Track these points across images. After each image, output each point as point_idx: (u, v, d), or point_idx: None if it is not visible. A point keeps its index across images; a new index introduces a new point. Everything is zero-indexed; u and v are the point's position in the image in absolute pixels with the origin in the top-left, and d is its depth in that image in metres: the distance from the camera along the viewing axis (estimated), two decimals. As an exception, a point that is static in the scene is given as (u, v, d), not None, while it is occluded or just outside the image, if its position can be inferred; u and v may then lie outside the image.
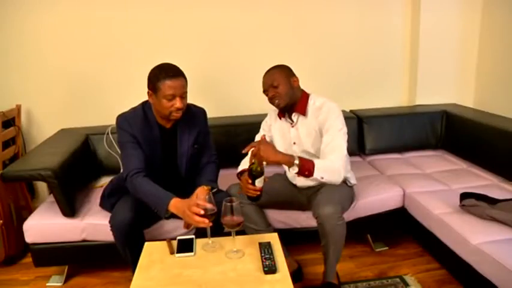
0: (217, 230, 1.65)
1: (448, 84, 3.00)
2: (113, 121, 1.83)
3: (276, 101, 1.86)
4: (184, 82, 1.71)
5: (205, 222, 1.48)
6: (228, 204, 1.42)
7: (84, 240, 2.01)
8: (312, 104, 1.91)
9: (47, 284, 2.12)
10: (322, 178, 1.72)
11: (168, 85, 1.65)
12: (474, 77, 3.01)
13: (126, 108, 1.85)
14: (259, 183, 1.69)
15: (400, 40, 2.96)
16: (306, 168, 1.69)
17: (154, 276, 1.41)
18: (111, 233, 1.73)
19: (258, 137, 2.10)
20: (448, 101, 2.99)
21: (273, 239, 1.59)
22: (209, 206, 1.49)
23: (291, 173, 1.88)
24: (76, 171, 2.15)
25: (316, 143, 1.89)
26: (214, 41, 2.75)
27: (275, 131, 2.03)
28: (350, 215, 2.08)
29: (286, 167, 2.07)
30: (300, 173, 1.71)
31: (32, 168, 1.91)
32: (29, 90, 2.67)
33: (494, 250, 1.59)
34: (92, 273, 2.19)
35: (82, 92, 2.72)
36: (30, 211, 2.39)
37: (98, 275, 2.17)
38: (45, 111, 2.73)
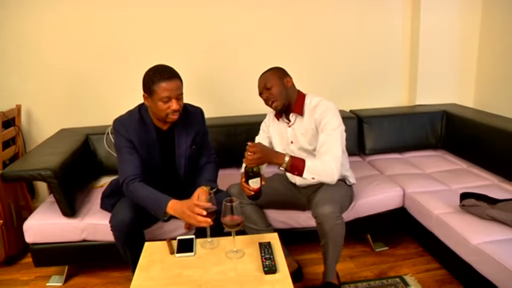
0: (217, 230, 1.65)
1: (448, 84, 3.00)
2: (112, 121, 1.83)
3: (272, 103, 1.88)
4: (180, 83, 1.70)
5: (208, 221, 1.49)
6: (228, 204, 1.42)
7: (84, 240, 2.01)
8: (308, 104, 1.91)
9: (47, 284, 2.12)
10: (313, 178, 1.73)
11: (163, 87, 1.64)
12: (474, 77, 3.01)
13: (126, 107, 1.86)
14: (253, 183, 1.70)
15: (400, 40, 2.96)
16: (296, 168, 1.72)
17: (154, 276, 1.41)
18: (111, 233, 1.73)
19: (257, 139, 2.11)
20: (448, 101, 2.99)
21: (273, 239, 1.59)
22: (209, 205, 1.49)
23: (290, 175, 1.89)
24: (76, 171, 2.15)
25: (313, 141, 1.89)
26: (213, 42, 2.75)
27: (273, 131, 2.04)
28: (350, 215, 2.08)
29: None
30: (289, 172, 1.74)
31: (32, 168, 1.91)
32: (29, 90, 2.67)
33: (494, 250, 1.59)
34: (92, 273, 2.19)
35: (82, 92, 2.72)
36: (30, 211, 2.39)
37: (98, 275, 2.17)
38: (45, 111, 2.73)
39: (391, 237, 2.37)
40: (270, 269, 1.39)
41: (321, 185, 1.89)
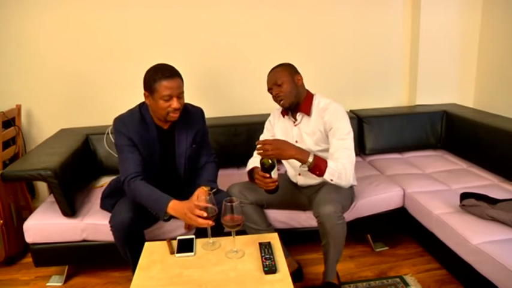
0: (217, 230, 1.65)
1: (448, 84, 3.00)
2: (113, 120, 1.83)
3: (281, 100, 1.87)
4: (181, 82, 1.71)
5: (209, 223, 1.50)
6: (228, 204, 1.42)
7: (84, 240, 2.01)
8: (316, 104, 1.91)
9: (47, 284, 2.12)
10: (332, 180, 1.73)
11: (164, 86, 1.65)
12: (474, 77, 3.01)
13: (126, 107, 1.85)
14: (274, 174, 1.74)
15: (400, 40, 2.96)
16: (318, 168, 1.72)
17: (154, 276, 1.41)
18: (111, 233, 1.73)
19: (261, 138, 2.10)
20: (448, 101, 2.99)
21: (273, 239, 1.59)
22: (210, 206, 1.49)
23: (300, 169, 1.89)
24: (76, 171, 2.15)
25: (320, 142, 1.89)
26: (215, 41, 2.75)
27: (277, 129, 2.03)
28: (350, 215, 2.08)
29: (287, 166, 2.07)
30: (310, 171, 1.74)
31: (32, 168, 1.91)
32: (29, 90, 2.67)
33: (494, 250, 1.59)
34: (92, 273, 2.19)
35: (82, 92, 2.72)
36: (30, 211, 2.39)
37: (98, 275, 2.17)
38: (45, 111, 2.73)
39: (391, 237, 2.37)
40: (270, 269, 1.39)
41: (322, 185, 1.89)
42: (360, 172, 2.42)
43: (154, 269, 1.45)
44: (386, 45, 2.95)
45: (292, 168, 2.04)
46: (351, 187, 2.04)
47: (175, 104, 1.68)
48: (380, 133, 2.69)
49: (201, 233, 1.75)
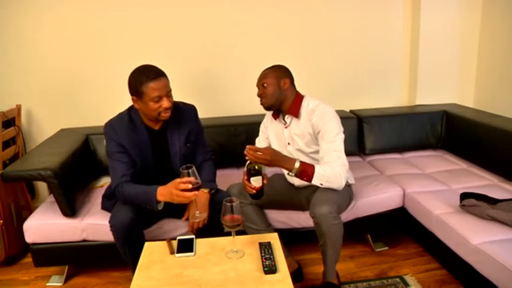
0: (217, 230, 1.65)
1: (448, 84, 3.00)
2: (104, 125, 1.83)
3: (261, 100, 1.90)
4: (167, 80, 1.70)
5: (196, 194, 1.52)
6: (228, 204, 1.41)
7: (84, 240, 2.01)
8: (305, 106, 1.90)
9: (47, 284, 2.12)
10: (321, 184, 1.74)
11: (152, 87, 1.64)
12: (474, 77, 3.01)
13: (126, 108, 1.85)
14: (254, 182, 1.71)
15: (400, 40, 2.96)
16: (305, 173, 1.72)
17: (154, 276, 1.41)
18: (111, 233, 1.73)
19: (257, 140, 2.10)
20: (448, 101, 2.99)
21: (273, 239, 1.59)
22: (192, 179, 1.51)
23: (289, 176, 1.89)
24: (76, 171, 2.15)
25: (311, 144, 1.89)
26: (214, 42, 2.75)
27: (271, 132, 2.04)
28: (350, 215, 2.09)
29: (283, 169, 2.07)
30: (298, 177, 1.74)
31: (32, 168, 1.91)
32: (29, 90, 2.67)
33: (494, 250, 1.59)
34: (92, 273, 2.19)
35: (82, 92, 2.72)
36: (30, 211, 2.39)
37: (98, 275, 2.17)
38: (45, 111, 2.73)
39: (391, 237, 2.37)
40: (270, 269, 1.39)
41: (318, 186, 1.88)
42: (360, 172, 2.42)
43: (154, 269, 1.45)
44: (387, 45, 2.95)
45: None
46: (349, 186, 2.04)
47: (165, 103, 1.67)
48: (380, 133, 2.69)
49: (201, 233, 1.76)
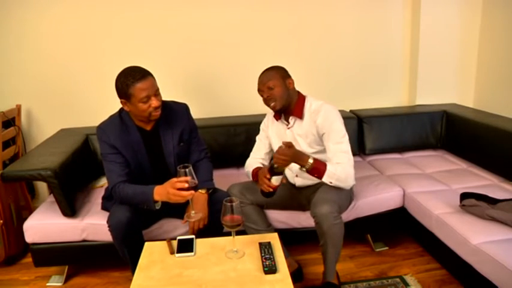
0: (217, 230, 1.65)
1: (448, 84, 3.00)
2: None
3: (272, 103, 1.86)
4: (154, 80, 1.70)
5: (192, 193, 1.54)
6: (228, 204, 1.41)
7: (84, 240, 2.01)
8: (308, 107, 1.90)
9: (47, 284, 2.12)
10: (331, 183, 1.76)
11: (139, 88, 1.64)
12: (474, 77, 3.01)
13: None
14: (275, 181, 1.74)
15: (400, 40, 2.96)
16: (317, 171, 1.75)
17: (154, 276, 1.41)
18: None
19: (258, 138, 2.10)
20: (448, 101, 2.99)
21: (273, 239, 1.59)
22: (189, 178, 1.52)
23: (297, 171, 1.89)
24: (76, 171, 2.15)
25: (314, 144, 1.89)
26: (213, 41, 2.74)
27: (272, 132, 2.03)
28: (350, 215, 2.08)
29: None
30: (309, 173, 1.77)
31: (32, 168, 1.91)
32: (29, 90, 2.67)
33: (494, 250, 1.59)
34: (92, 273, 2.19)
35: (82, 92, 2.72)
36: (30, 211, 2.39)
37: (98, 275, 2.17)
38: (45, 111, 2.73)
39: (391, 237, 2.37)
40: (270, 269, 1.39)
41: (320, 186, 1.88)
42: (360, 172, 2.42)
43: (154, 269, 1.45)
44: (387, 45, 2.95)
45: (289, 170, 2.05)
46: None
47: (154, 102, 1.68)
48: (380, 133, 2.69)
49: (201, 233, 1.76)
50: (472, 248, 1.68)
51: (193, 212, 1.68)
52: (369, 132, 2.68)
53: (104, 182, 2.39)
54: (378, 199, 2.17)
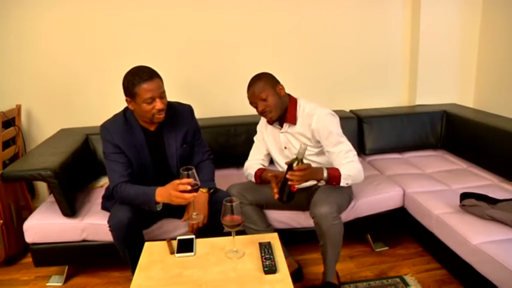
0: (217, 230, 1.65)
1: (448, 84, 3.00)
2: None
3: (268, 115, 1.85)
4: (161, 82, 1.70)
5: (194, 195, 1.54)
6: (228, 204, 1.41)
7: (84, 240, 2.01)
8: (301, 111, 1.89)
9: (47, 284, 2.12)
10: (347, 184, 1.77)
11: (145, 89, 1.64)
12: (474, 77, 3.01)
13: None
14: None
15: (400, 40, 2.96)
16: (334, 179, 1.74)
17: (154, 276, 1.41)
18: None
19: (256, 139, 2.10)
20: (448, 101, 2.99)
21: (273, 239, 1.59)
22: (191, 180, 1.52)
23: (318, 184, 1.89)
24: (76, 171, 2.15)
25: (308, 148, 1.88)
26: (213, 42, 2.74)
27: (268, 134, 2.03)
28: (350, 215, 2.09)
29: (280, 169, 2.07)
30: (328, 184, 1.76)
31: (32, 168, 1.91)
32: (29, 90, 2.67)
33: (494, 250, 1.59)
34: (92, 273, 2.19)
35: (82, 92, 2.72)
36: (30, 211, 2.39)
37: (98, 275, 2.17)
38: (45, 111, 2.73)
39: (391, 237, 2.37)
40: (270, 269, 1.39)
41: (319, 186, 1.89)
42: (360, 172, 2.42)
43: (154, 269, 1.45)
44: (387, 45, 2.95)
45: None
46: (349, 186, 2.04)
47: (158, 105, 1.67)
48: (380, 133, 2.69)
49: (201, 233, 1.76)
50: (472, 248, 1.68)
51: (194, 213, 1.68)
52: (369, 132, 2.68)
53: (103, 182, 2.39)
54: (377, 199, 2.17)
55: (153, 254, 1.55)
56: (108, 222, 1.73)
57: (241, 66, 2.80)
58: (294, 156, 1.94)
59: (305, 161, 1.71)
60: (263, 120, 2.07)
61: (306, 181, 1.68)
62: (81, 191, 2.27)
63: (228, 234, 1.53)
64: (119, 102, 1.81)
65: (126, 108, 1.82)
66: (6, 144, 2.47)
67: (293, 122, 1.89)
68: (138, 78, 1.64)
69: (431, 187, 2.21)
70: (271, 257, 1.45)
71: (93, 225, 1.97)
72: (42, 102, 2.71)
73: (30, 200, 2.58)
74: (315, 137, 1.86)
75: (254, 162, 2.04)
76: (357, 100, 2.95)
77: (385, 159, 2.68)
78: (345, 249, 2.26)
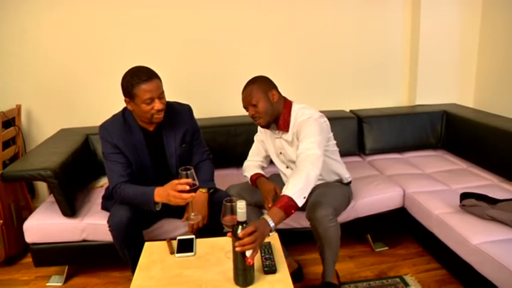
0: (217, 230, 1.65)
1: (448, 84, 3.00)
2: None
3: (257, 120, 1.83)
4: (159, 82, 1.69)
5: (193, 195, 1.54)
6: (228, 204, 1.41)
7: (84, 240, 2.01)
8: (293, 117, 1.85)
9: (47, 284, 2.12)
10: (305, 197, 1.57)
11: (143, 89, 1.64)
12: (474, 77, 3.01)
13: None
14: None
15: (400, 40, 2.96)
16: (289, 209, 1.51)
17: (154, 276, 1.41)
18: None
19: (255, 138, 2.10)
20: (448, 101, 2.99)
21: (273, 239, 1.59)
22: (190, 180, 1.52)
23: (286, 178, 1.83)
24: (76, 171, 2.15)
25: None
26: (213, 42, 2.75)
27: (266, 138, 2.03)
28: (350, 215, 2.09)
29: (281, 174, 2.06)
30: (288, 217, 1.53)
31: (32, 168, 1.91)
32: (29, 90, 2.67)
33: (494, 250, 1.60)
34: (92, 273, 2.19)
35: (82, 92, 2.72)
36: (30, 211, 2.39)
37: (98, 275, 2.17)
38: (45, 111, 2.73)
39: (391, 237, 2.37)
40: (270, 269, 1.39)
41: (316, 188, 1.87)
42: (360, 172, 2.42)
43: (154, 269, 1.45)
44: (387, 45, 2.95)
45: (284, 176, 2.04)
46: (348, 186, 2.04)
47: (157, 105, 1.67)
48: (380, 133, 2.69)
49: (201, 233, 1.76)
50: (472, 248, 1.68)
51: (193, 214, 1.68)
52: (368, 132, 2.68)
53: (103, 182, 2.39)
54: (377, 199, 2.17)
55: (153, 254, 1.55)
56: (108, 222, 1.73)
57: (241, 66, 2.80)
58: (287, 161, 1.93)
59: (270, 223, 1.44)
60: None
61: (260, 243, 1.35)
62: (81, 191, 2.27)
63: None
64: (118, 102, 1.81)
65: (125, 109, 1.82)
66: (6, 144, 2.47)
67: (285, 129, 1.86)
68: (137, 78, 1.64)
69: (431, 187, 2.21)
70: (271, 257, 1.45)
71: (93, 225, 1.97)
72: (42, 102, 2.71)
73: (30, 200, 2.58)
74: (297, 138, 1.81)
75: (252, 164, 2.03)
76: (357, 100, 2.95)
77: (385, 159, 2.68)
78: (345, 249, 2.26)
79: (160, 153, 1.85)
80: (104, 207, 2.01)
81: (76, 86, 2.71)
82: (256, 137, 2.10)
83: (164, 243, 1.60)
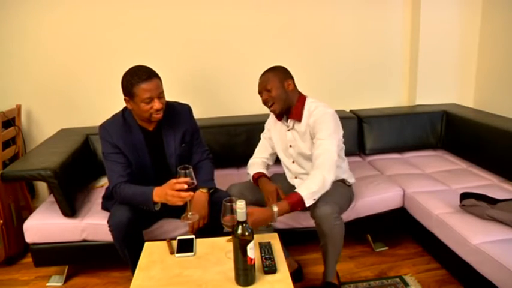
0: (217, 230, 1.65)
1: (448, 84, 3.00)
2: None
3: (270, 106, 1.86)
4: (159, 82, 1.70)
5: (191, 194, 1.54)
6: (228, 204, 1.41)
7: (84, 240, 2.01)
8: (307, 109, 1.88)
9: (47, 284, 2.12)
10: (315, 199, 1.67)
11: (143, 88, 1.64)
12: (474, 77, 3.01)
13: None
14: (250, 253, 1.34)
15: (400, 40, 2.96)
16: (297, 205, 1.64)
17: (154, 276, 1.41)
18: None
19: (262, 136, 2.10)
20: (448, 101, 2.99)
21: (273, 239, 1.59)
22: (188, 179, 1.52)
23: (297, 173, 1.84)
24: (76, 171, 2.15)
25: (311, 146, 1.88)
26: (213, 42, 2.75)
27: (274, 133, 2.03)
28: (350, 215, 2.08)
29: (285, 169, 2.07)
30: (292, 211, 1.66)
31: (32, 168, 1.91)
32: (29, 90, 2.67)
33: (494, 250, 1.59)
34: (92, 273, 2.19)
35: (82, 92, 2.72)
36: (30, 211, 2.39)
37: (98, 275, 2.17)
38: (45, 111, 2.73)
39: (391, 237, 2.37)
40: (270, 269, 1.39)
41: None
42: (360, 172, 2.42)
43: (154, 269, 1.45)
44: (387, 45, 2.95)
45: (289, 172, 2.05)
46: (349, 186, 2.04)
47: (157, 105, 1.67)
48: (380, 133, 2.69)
49: (201, 233, 1.76)
50: (472, 248, 1.68)
51: (190, 213, 1.68)
52: (368, 132, 2.68)
53: (103, 182, 2.39)
54: (377, 199, 2.17)
55: (153, 254, 1.55)
56: (108, 222, 1.73)
57: (241, 67, 2.80)
58: (296, 155, 1.95)
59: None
60: (272, 117, 2.07)
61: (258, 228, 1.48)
62: (81, 191, 2.27)
63: (228, 234, 1.53)
64: (118, 102, 1.81)
65: (124, 108, 1.82)
66: (6, 144, 2.47)
67: (298, 118, 1.88)
68: (137, 78, 1.65)
69: (431, 187, 2.21)
70: (271, 257, 1.45)
71: (93, 225, 1.97)
72: (42, 102, 2.71)
73: (30, 200, 2.58)
74: (313, 135, 1.85)
75: (258, 161, 2.05)
76: (357, 100, 2.95)
77: (385, 159, 2.68)
78: (345, 249, 2.26)
79: (160, 153, 1.85)
80: (104, 207, 2.01)
81: (76, 86, 2.71)
82: (262, 135, 2.10)
83: (164, 243, 1.60)
